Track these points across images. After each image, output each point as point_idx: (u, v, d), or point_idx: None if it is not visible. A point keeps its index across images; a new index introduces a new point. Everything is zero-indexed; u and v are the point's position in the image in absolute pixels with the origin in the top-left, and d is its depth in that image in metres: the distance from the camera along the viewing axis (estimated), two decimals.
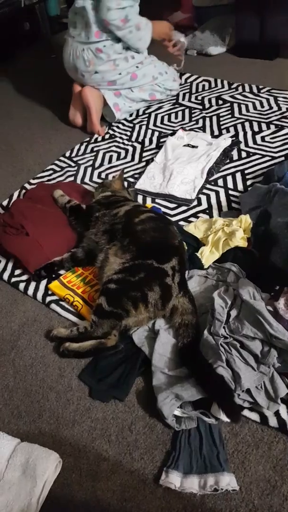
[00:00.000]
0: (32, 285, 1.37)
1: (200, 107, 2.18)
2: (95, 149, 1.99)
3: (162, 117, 2.14)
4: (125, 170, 1.82)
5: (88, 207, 1.46)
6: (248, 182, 1.65)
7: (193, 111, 2.16)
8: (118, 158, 1.91)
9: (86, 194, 1.66)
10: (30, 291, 1.35)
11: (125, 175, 1.79)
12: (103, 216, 1.37)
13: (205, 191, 1.64)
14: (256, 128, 1.95)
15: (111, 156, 1.93)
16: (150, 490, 0.90)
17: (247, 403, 0.99)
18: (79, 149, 2.00)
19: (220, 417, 0.95)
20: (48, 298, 1.32)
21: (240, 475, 0.90)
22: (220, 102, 2.20)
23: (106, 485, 0.92)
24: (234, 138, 1.87)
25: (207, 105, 2.19)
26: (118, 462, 0.95)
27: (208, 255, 1.32)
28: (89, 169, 1.87)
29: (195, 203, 1.60)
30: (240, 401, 0.98)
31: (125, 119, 2.16)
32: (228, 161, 1.77)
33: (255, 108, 2.10)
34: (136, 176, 1.78)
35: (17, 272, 1.42)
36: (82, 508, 0.89)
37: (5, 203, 1.75)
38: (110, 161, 1.90)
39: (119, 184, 1.58)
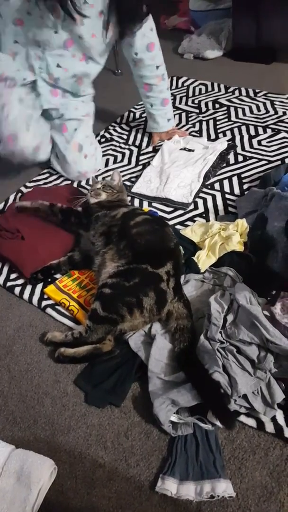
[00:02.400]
0: (28, 289, 1.36)
1: (197, 110, 2.19)
2: None
3: None
4: (122, 174, 1.82)
5: (88, 208, 1.44)
6: (245, 186, 1.65)
7: (189, 115, 2.16)
8: (114, 162, 1.91)
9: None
10: (26, 295, 1.35)
11: (122, 179, 1.79)
12: (104, 216, 1.36)
13: (201, 195, 1.64)
14: (252, 132, 1.95)
15: (107, 160, 1.92)
16: (146, 497, 0.89)
17: (243, 408, 0.98)
18: None
19: (217, 423, 0.95)
20: (44, 303, 1.31)
21: (236, 482, 0.90)
22: (217, 105, 2.20)
23: (102, 492, 0.91)
24: (230, 142, 1.87)
25: (203, 109, 2.19)
26: (114, 468, 0.94)
27: (204, 259, 1.32)
28: None
29: (191, 207, 1.59)
30: (237, 407, 0.97)
31: (122, 122, 2.16)
32: (224, 165, 1.77)
33: (251, 112, 2.11)
34: (132, 179, 1.78)
35: (13, 276, 1.41)
36: None
37: (0, 206, 1.74)
38: (106, 165, 1.89)
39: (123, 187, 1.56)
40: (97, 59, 1.66)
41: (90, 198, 1.45)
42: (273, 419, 0.97)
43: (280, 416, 0.97)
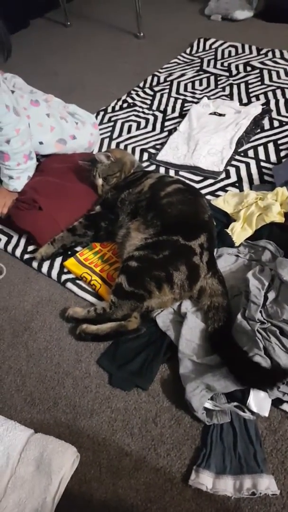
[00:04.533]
0: (47, 262, 1.26)
1: (227, 73, 2.02)
2: (113, 118, 1.85)
3: (186, 85, 1.98)
4: (146, 141, 1.69)
5: (106, 200, 1.30)
6: (282, 154, 1.50)
7: (218, 78, 1.99)
8: (138, 128, 1.77)
9: None
10: (44, 268, 1.25)
11: (145, 146, 1.66)
12: (128, 195, 1.24)
13: (234, 162, 1.50)
14: None
15: (130, 126, 1.78)
16: (178, 490, 0.81)
17: (287, 396, 0.87)
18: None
19: (257, 411, 0.85)
20: (64, 277, 1.22)
21: (280, 477, 0.80)
22: (249, 68, 2.03)
23: (129, 483, 0.83)
24: (264, 106, 1.71)
25: (234, 72, 2.02)
26: (141, 458, 0.86)
27: (239, 232, 1.19)
28: (107, 140, 1.73)
29: (223, 175, 1.46)
30: (280, 394, 0.87)
31: (145, 87, 2.01)
32: (259, 130, 1.61)
33: (287, 74, 1.93)
34: (157, 146, 1.64)
35: (30, 248, 1.32)
36: (102, 508, 0.80)
37: None
38: (129, 131, 1.76)
39: (119, 153, 1.39)
40: None
41: (104, 194, 1.33)
42: None
43: None
